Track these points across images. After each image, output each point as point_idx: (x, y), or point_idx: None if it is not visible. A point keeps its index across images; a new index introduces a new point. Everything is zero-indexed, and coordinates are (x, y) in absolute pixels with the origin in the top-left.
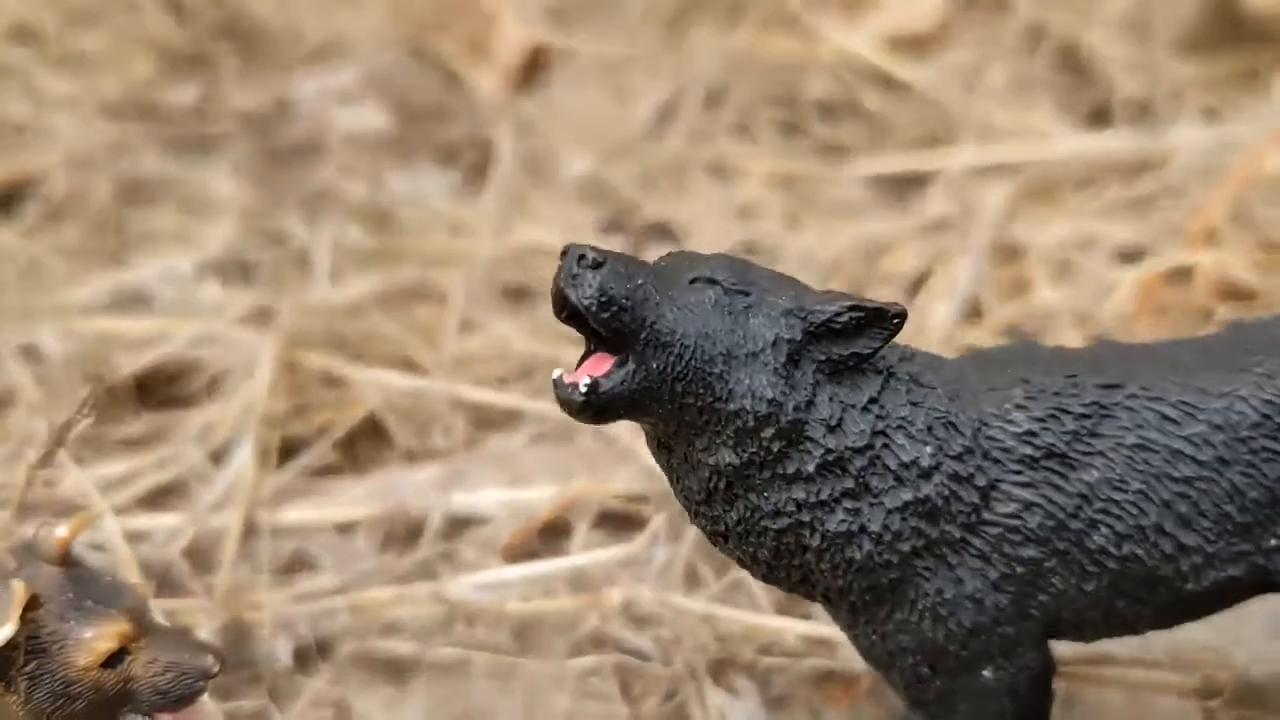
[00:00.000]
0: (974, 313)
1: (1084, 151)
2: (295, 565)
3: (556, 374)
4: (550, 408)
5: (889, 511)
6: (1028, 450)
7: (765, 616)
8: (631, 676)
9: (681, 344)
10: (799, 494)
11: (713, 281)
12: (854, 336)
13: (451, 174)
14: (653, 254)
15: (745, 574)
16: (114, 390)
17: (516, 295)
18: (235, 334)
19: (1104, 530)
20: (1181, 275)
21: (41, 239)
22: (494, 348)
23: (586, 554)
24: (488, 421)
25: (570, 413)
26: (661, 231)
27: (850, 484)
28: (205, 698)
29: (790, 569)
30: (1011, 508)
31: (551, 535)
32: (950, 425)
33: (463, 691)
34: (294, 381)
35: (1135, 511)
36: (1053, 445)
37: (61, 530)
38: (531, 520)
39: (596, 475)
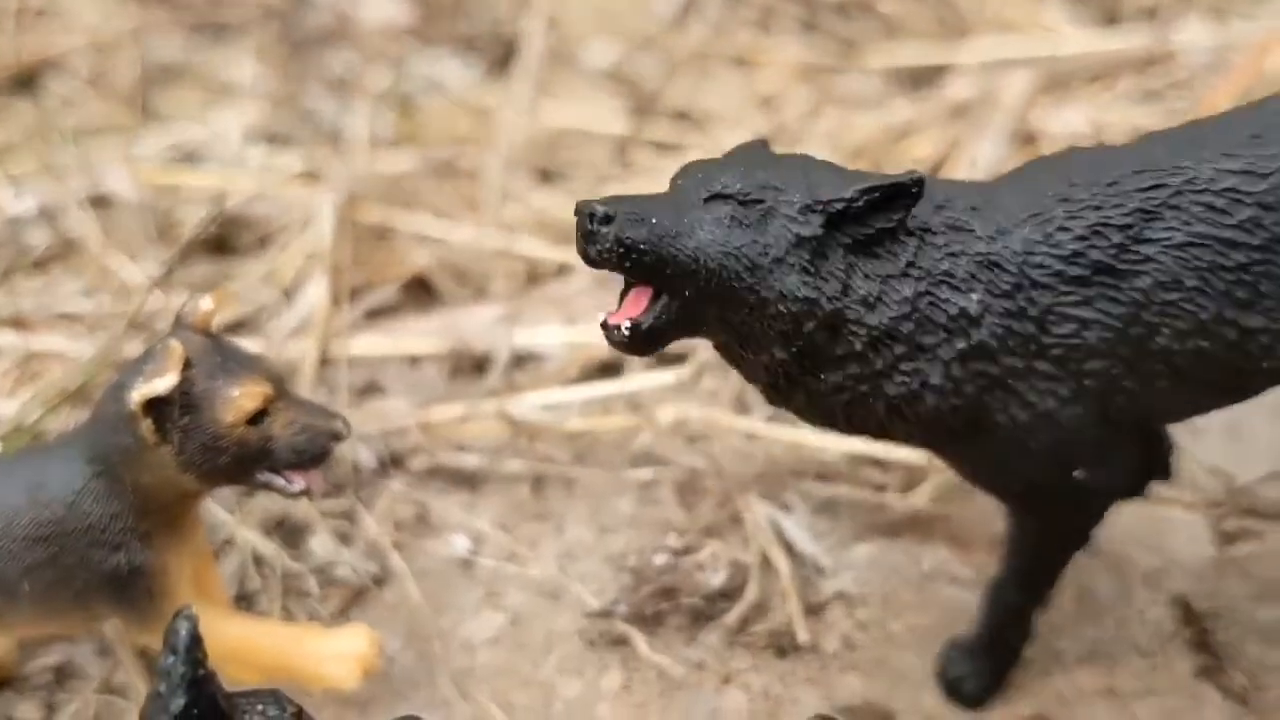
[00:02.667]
0: None
1: (1095, 48)
2: (368, 391)
3: (601, 317)
4: None
5: (946, 363)
6: (1076, 270)
7: (809, 434)
8: (686, 487)
9: (706, 269)
10: (854, 369)
11: (726, 197)
12: (875, 214)
13: (473, 64)
14: (677, 139)
15: None
16: (181, 238)
17: (546, 176)
18: (290, 193)
19: (1165, 331)
20: None
21: (71, 114)
22: (533, 215)
23: (639, 378)
24: (536, 276)
25: (622, 350)
26: (684, 119)
27: (903, 348)
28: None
29: (868, 428)
30: (1069, 328)
31: (605, 371)
32: (994, 265)
33: (533, 497)
34: (353, 235)
35: (1194, 308)
36: (1100, 261)
37: (207, 302)
38: (588, 352)
39: None
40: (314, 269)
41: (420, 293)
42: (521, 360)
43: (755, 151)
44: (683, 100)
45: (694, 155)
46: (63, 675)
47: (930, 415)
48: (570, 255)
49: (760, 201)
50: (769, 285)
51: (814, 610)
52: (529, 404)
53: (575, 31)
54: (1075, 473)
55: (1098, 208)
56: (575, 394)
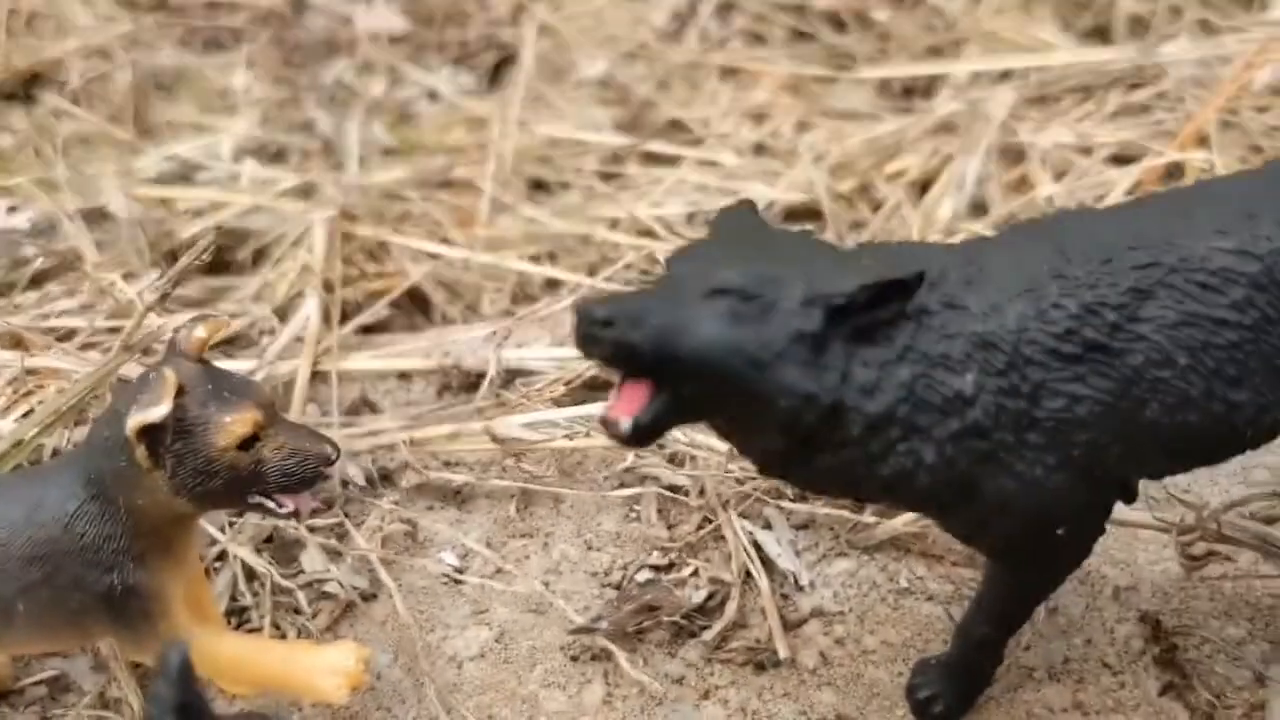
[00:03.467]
0: (979, 208)
1: (1084, 63)
2: (358, 408)
3: (600, 412)
4: (584, 277)
5: (940, 443)
6: (1070, 348)
7: None
8: (669, 505)
9: (708, 366)
10: (850, 454)
11: (726, 292)
12: (876, 307)
13: (467, 75)
14: (670, 150)
15: None
16: (174, 255)
17: (539, 187)
18: (283, 207)
19: (1154, 405)
20: (1174, 172)
21: (63, 126)
22: (524, 229)
23: None
24: (525, 292)
25: (621, 445)
26: (677, 130)
27: (899, 431)
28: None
29: (862, 499)
30: (1060, 403)
31: (593, 389)
32: (989, 345)
33: (520, 514)
34: (345, 251)
35: (1183, 384)
36: (1094, 340)
37: (200, 330)
38: (576, 373)
39: None
40: (306, 285)
41: (411, 309)
42: (511, 377)
43: (748, 226)
44: (675, 111)
45: (686, 166)
46: (57, 689)
47: (923, 491)
48: (559, 272)
49: (760, 296)
50: (770, 380)
51: (792, 626)
52: (516, 423)
53: (569, 41)
54: (1058, 530)
55: (1093, 286)
56: (562, 414)
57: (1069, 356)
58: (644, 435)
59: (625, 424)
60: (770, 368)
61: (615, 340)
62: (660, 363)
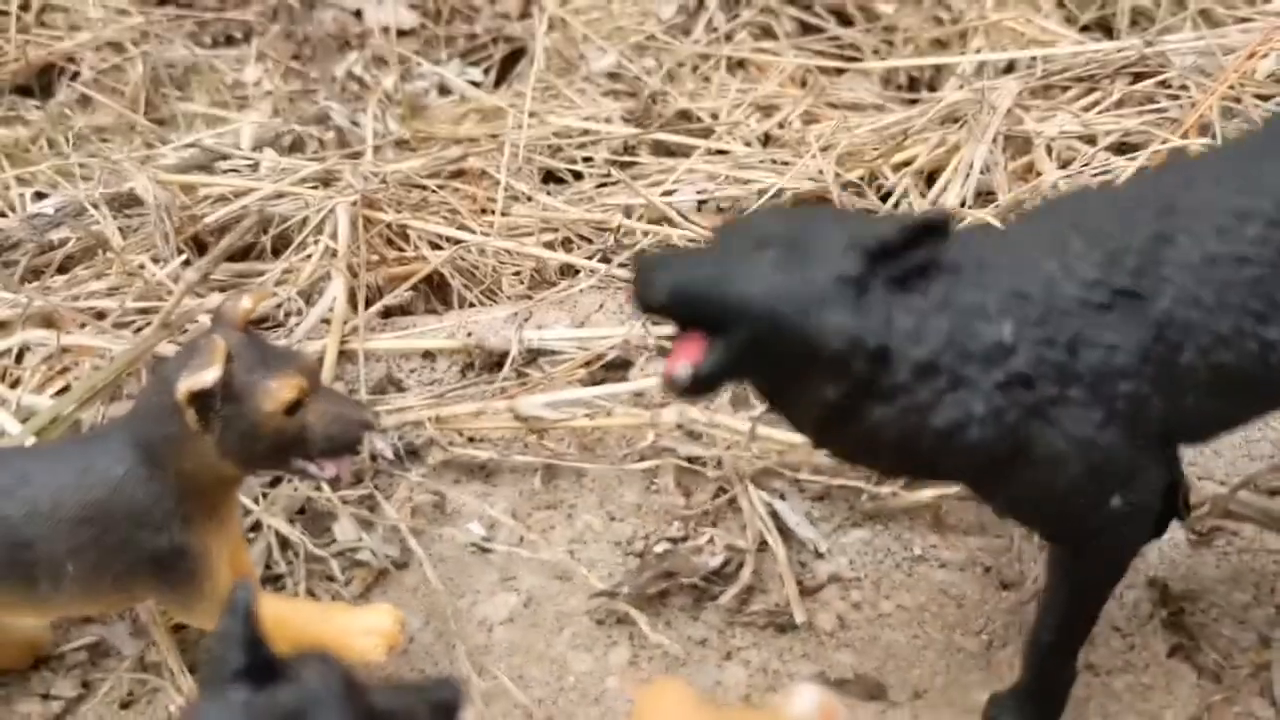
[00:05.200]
0: (985, 196)
1: (1088, 53)
2: (384, 387)
3: (660, 368)
4: (600, 264)
5: (987, 393)
6: (1099, 297)
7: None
8: (687, 477)
9: (758, 311)
10: (901, 403)
11: (768, 243)
12: (911, 250)
13: (477, 68)
14: (679, 141)
15: None
16: (198, 239)
17: (552, 178)
18: (305, 194)
19: (1189, 348)
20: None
21: (79, 118)
22: (539, 217)
23: (644, 379)
24: (543, 278)
25: (680, 398)
26: (686, 121)
27: (945, 380)
28: (324, 485)
29: (916, 467)
30: (1098, 354)
31: (613, 369)
32: (1022, 297)
33: (544, 487)
34: (367, 236)
35: (1214, 323)
36: (1121, 285)
37: (246, 301)
38: (596, 353)
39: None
40: (330, 269)
41: (432, 292)
42: (533, 356)
43: (778, 209)
44: (684, 102)
45: (696, 157)
46: (97, 654)
47: (975, 446)
48: (575, 257)
49: (803, 245)
50: (817, 323)
51: (810, 591)
52: (538, 402)
53: (578, 34)
54: (1113, 499)
55: (1113, 236)
56: (582, 394)
57: (1099, 305)
58: (702, 384)
59: (684, 372)
60: (816, 311)
61: (673, 283)
62: (713, 307)
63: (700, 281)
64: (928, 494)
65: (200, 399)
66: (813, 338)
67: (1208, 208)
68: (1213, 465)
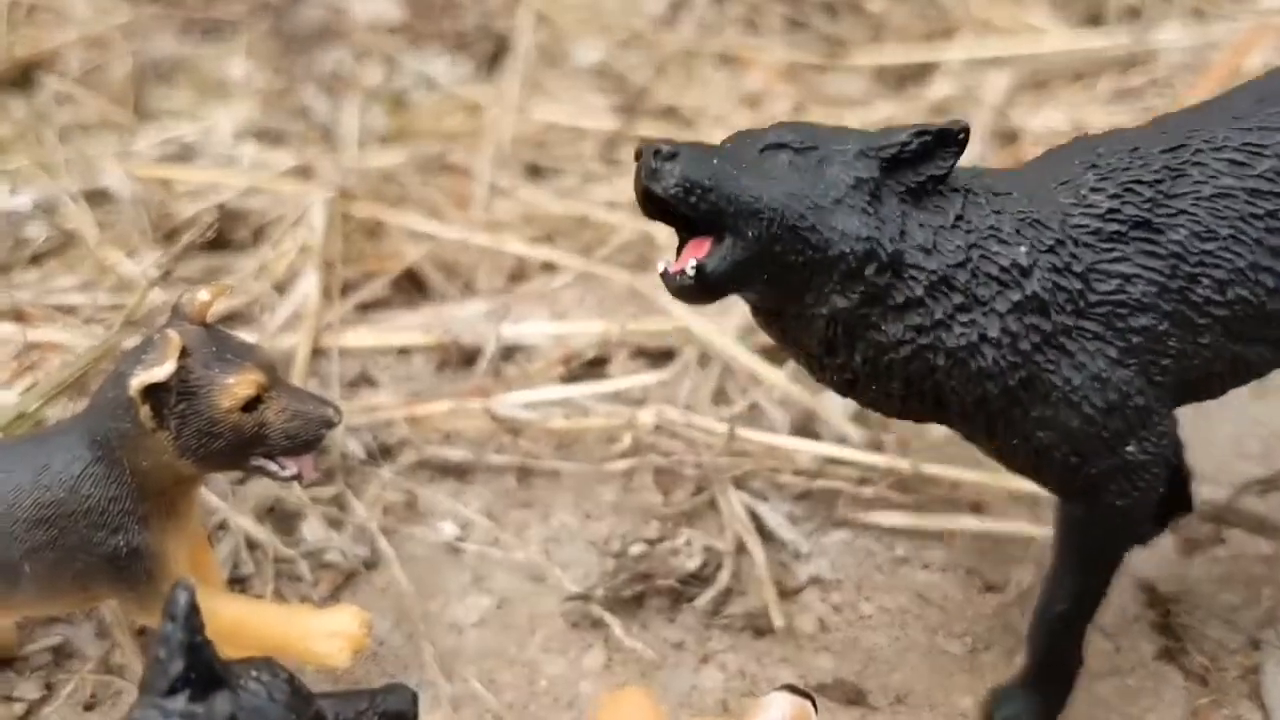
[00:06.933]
0: None
1: (1077, 48)
2: (358, 383)
3: (661, 267)
4: (580, 260)
5: (1002, 315)
6: (1114, 227)
7: (781, 438)
8: (665, 476)
9: (769, 208)
10: (914, 319)
11: (781, 146)
12: (926, 161)
13: (463, 62)
14: (665, 136)
15: (765, 400)
16: (174, 234)
17: (535, 172)
18: (282, 188)
19: (1205, 281)
20: None
21: (62, 112)
22: (521, 211)
23: (623, 379)
24: (523, 272)
25: (683, 298)
26: (672, 116)
27: (960, 298)
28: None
29: (923, 395)
30: (1113, 284)
31: (591, 366)
32: (1037, 223)
33: (519, 486)
34: (344, 230)
35: (1230, 255)
36: (1136, 216)
37: (204, 294)
38: (574, 350)
39: (631, 315)
40: (306, 263)
41: (409, 287)
42: (509, 352)
43: (799, 121)
44: (670, 97)
45: None
46: (61, 655)
47: (989, 372)
48: (556, 254)
49: (815, 149)
50: (831, 225)
51: (790, 594)
52: (514, 402)
53: (565, 29)
54: (1129, 445)
55: (1126, 168)
56: (558, 393)
57: (1114, 235)
58: (709, 283)
59: (690, 267)
60: (830, 213)
61: (682, 173)
62: (723, 200)
63: (713, 173)
64: (908, 496)
65: (154, 394)
66: (825, 240)
67: (1220, 143)
68: (1203, 464)
